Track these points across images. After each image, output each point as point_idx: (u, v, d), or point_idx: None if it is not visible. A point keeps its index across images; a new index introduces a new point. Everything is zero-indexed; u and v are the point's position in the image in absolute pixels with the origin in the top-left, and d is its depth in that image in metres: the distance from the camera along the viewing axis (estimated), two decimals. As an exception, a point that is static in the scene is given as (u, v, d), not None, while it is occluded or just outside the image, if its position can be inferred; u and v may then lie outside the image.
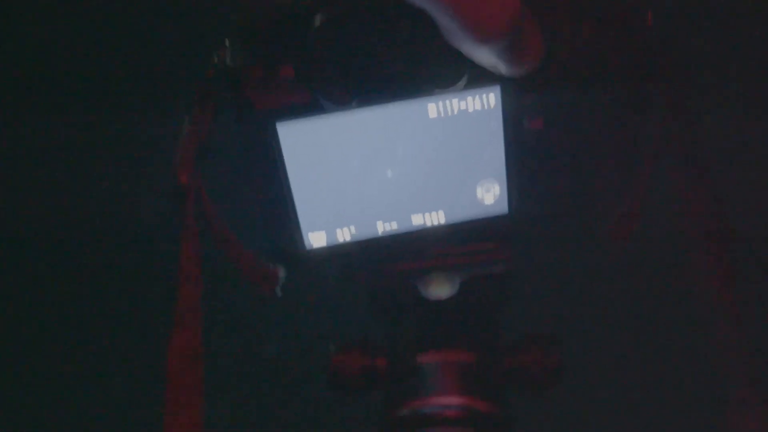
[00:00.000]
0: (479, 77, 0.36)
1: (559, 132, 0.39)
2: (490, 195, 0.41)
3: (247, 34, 0.36)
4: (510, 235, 0.43)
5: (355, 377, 0.48)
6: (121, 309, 0.86)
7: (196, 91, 0.39)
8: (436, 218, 0.41)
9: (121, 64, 0.80)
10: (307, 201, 0.40)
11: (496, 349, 0.47)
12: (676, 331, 0.77)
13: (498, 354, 0.47)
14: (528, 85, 0.36)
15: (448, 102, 0.37)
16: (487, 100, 0.37)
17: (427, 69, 0.35)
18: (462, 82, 0.36)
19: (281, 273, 0.43)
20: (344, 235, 0.41)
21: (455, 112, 0.38)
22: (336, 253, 0.41)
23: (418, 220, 0.41)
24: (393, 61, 0.35)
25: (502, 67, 0.29)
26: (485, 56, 0.28)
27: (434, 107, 0.38)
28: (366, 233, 0.41)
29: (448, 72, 0.36)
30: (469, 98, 0.37)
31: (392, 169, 0.39)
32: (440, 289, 0.44)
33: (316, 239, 0.41)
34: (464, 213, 0.41)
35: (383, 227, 0.41)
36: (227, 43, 0.37)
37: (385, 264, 0.43)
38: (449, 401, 0.44)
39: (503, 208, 0.41)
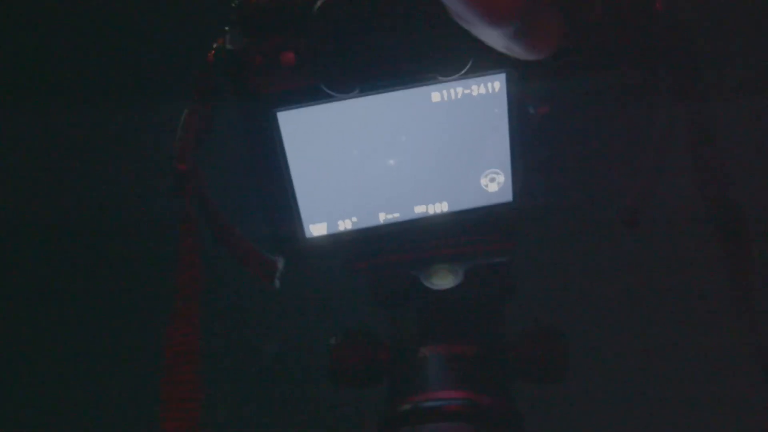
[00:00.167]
0: (484, 63, 0.35)
1: (565, 119, 0.38)
2: (495, 182, 0.40)
3: (248, 18, 0.35)
4: (514, 224, 0.42)
5: (356, 370, 0.47)
6: (119, 302, 0.85)
7: (195, 78, 0.39)
8: (439, 207, 0.40)
9: (120, 58, 0.80)
10: (308, 189, 0.39)
11: (499, 342, 0.46)
12: (682, 325, 0.77)
13: (502, 347, 0.46)
14: (534, 71, 0.36)
15: (452, 89, 0.37)
16: (492, 87, 0.37)
17: (431, 55, 0.35)
18: (466, 69, 0.35)
19: (280, 263, 0.43)
20: (345, 223, 0.40)
21: (459, 97, 0.37)
22: (337, 242, 0.41)
23: (420, 209, 0.40)
24: (396, 47, 0.35)
25: (517, 51, 0.28)
26: (497, 40, 0.28)
27: (438, 94, 0.37)
28: (367, 222, 0.40)
29: (453, 59, 0.35)
30: (474, 85, 0.37)
31: (395, 156, 0.39)
32: (443, 280, 0.43)
33: (316, 228, 0.40)
34: (468, 201, 0.40)
35: (385, 216, 0.40)
36: (227, 27, 0.37)
37: (387, 254, 0.43)
38: (452, 395, 0.43)
39: (507, 195, 0.40)
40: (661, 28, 0.37)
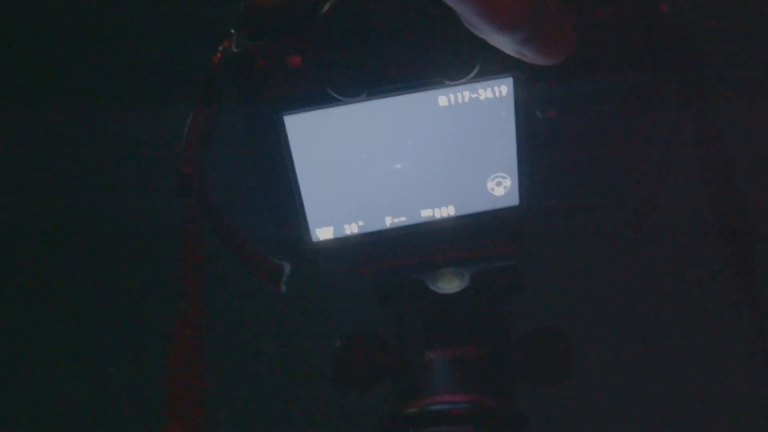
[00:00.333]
0: (492, 67, 0.35)
1: (572, 122, 0.38)
2: (501, 186, 0.40)
3: (254, 21, 0.35)
4: (520, 228, 0.42)
5: (361, 372, 0.47)
6: (123, 304, 0.85)
7: (201, 80, 0.39)
8: (445, 210, 0.40)
9: (125, 60, 0.79)
10: (314, 193, 0.39)
11: (505, 344, 0.46)
12: (687, 328, 0.77)
13: (507, 350, 0.46)
14: (541, 75, 0.35)
15: (459, 93, 0.37)
16: (500, 90, 0.37)
17: (438, 59, 0.35)
18: (473, 73, 0.35)
19: (287, 268, 0.43)
20: (351, 227, 0.40)
21: (466, 101, 0.37)
22: (343, 246, 0.41)
23: (427, 213, 0.40)
24: (403, 51, 0.34)
25: (530, 56, 0.28)
26: (509, 45, 0.27)
27: (445, 98, 0.37)
28: (374, 226, 0.40)
29: (460, 63, 0.35)
30: (481, 89, 0.37)
31: (401, 160, 0.38)
32: (449, 284, 0.43)
33: (322, 232, 0.40)
34: (474, 205, 0.40)
35: (391, 220, 0.40)
36: (233, 30, 0.36)
37: (393, 258, 0.42)
38: (458, 398, 0.43)
39: (514, 199, 0.40)
40: (666, 30, 0.37)
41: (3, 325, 0.87)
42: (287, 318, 0.81)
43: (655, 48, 0.37)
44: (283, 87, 0.36)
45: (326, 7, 0.33)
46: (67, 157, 0.82)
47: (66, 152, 0.81)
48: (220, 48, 0.37)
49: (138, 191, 0.80)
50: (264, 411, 0.84)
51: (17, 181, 0.83)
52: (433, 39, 0.34)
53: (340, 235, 0.40)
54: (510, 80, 0.37)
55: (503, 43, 0.27)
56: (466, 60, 0.35)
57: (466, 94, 0.37)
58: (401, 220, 0.40)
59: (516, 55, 0.28)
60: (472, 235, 0.42)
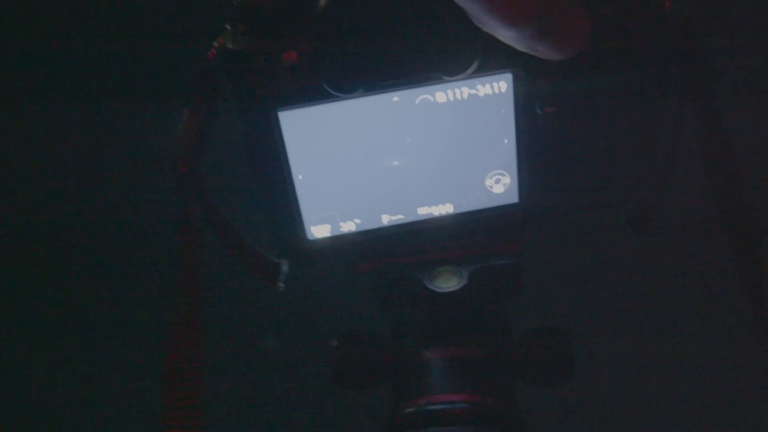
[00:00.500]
0: (491, 63, 0.35)
1: (572, 119, 0.38)
2: (500, 184, 0.39)
3: (250, 16, 0.35)
4: (520, 225, 0.42)
5: (358, 372, 0.47)
6: (120, 304, 0.85)
7: (196, 77, 0.38)
8: (443, 208, 0.40)
9: (120, 57, 0.79)
10: (310, 191, 0.38)
11: (504, 343, 0.46)
12: (690, 327, 0.76)
13: (507, 349, 0.46)
14: (541, 71, 0.35)
15: (457, 89, 0.36)
16: (499, 87, 0.36)
17: (436, 55, 0.34)
18: (471, 69, 0.35)
19: (284, 267, 0.42)
20: (348, 225, 0.40)
21: (465, 97, 0.36)
22: (339, 244, 0.40)
23: (424, 210, 0.40)
24: (400, 46, 0.34)
25: (542, 52, 0.27)
26: (518, 40, 0.27)
27: (443, 94, 0.36)
28: (370, 224, 0.40)
29: (458, 58, 0.34)
30: (480, 85, 0.36)
31: (398, 157, 0.38)
32: (447, 283, 0.42)
33: (318, 229, 0.40)
34: (473, 203, 0.40)
35: (389, 218, 0.40)
36: (228, 26, 0.36)
37: (390, 256, 0.42)
38: (456, 398, 0.42)
39: (513, 197, 0.40)
40: (669, 26, 0.37)
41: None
42: (286, 318, 0.81)
43: (657, 44, 0.37)
44: (278, 83, 0.35)
45: (323, 1, 0.33)
46: (63, 156, 0.82)
47: (62, 151, 0.81)
48: (215, 44, 0.37)
49: (135, 189, 0.80)
50: (263, 412, 0.84)
51: (14, 181, 0.83)
52: (431, 34, 0.33)
53: (336, 233, 0.40)
54: (509, 76, 0.36)
55: (513, 38, 0.27)
56: (464, 55, 0.34)
57: (465, 90, 0.36)
58: (398, 217, 0.40)
59: (529, 51, 0.28)
60: (470, 233, 0.41)
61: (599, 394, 0.74)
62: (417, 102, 0.36)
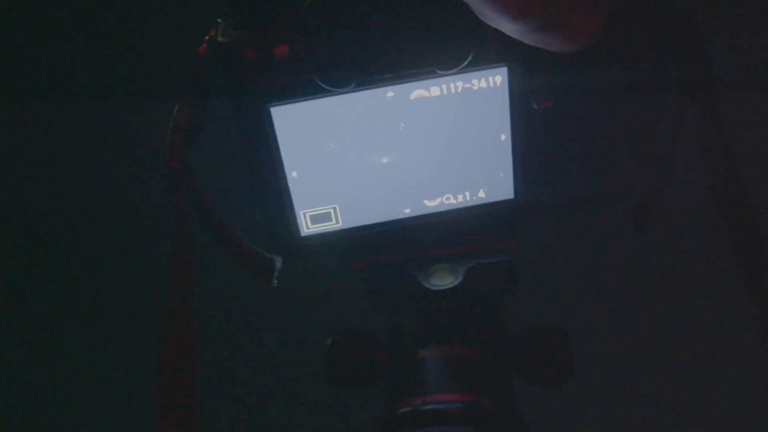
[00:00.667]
0: (485, 56, 0.34)
1: (569, 114, 0.37)
2: (496, 179, 0.39)
3: (241, 10, 0.34)
4: (515, 222, 0.41)
5: (353, 370, 0.46)
6: (113, 301, 0.85)
7: (187, 72, 0.38)
8: (439, 204, 0.39)
9: (111, 53, 0.79)
10: (303, 187, 0.38)
11: (500, 342, 0.45)
12: (689, 325, 0.76)
13: (503, 348, 0.45)
14: (538, 64, 0.34)
15: (451, 83, 0.36)
16: (494, 80, 0.36)
17: (430, 48, 0.33)
18: (466, 63, 0.34)
19: (278, 263, 0.42)
20: (341, 222, 0.39)
21: (459, 91, 0.36)
22: (332, 241, 0.40)
23: (419, 207, 0.39)
24: (393, 40, 0.33)
25: (551, 44, 0.27)
26: (524, 34, 0.26)
27: (437, 88, 0.36)
28: (363, 220, 0.39)
29: (452, 52, 0.34)
30: (475, 79, 0.36)
31: (392, 153, 0.37)
32: (442, 280, 0.42)
33: (311, 226, 0.39)
34: (469, 199, 0.39)
35: (383, 214, 0.39)
36: (219, 20, 0.35)
37: (384, 253, 0.42)
38: (451, 398, 0.42)
39: (509, 193, 0.39)
40: (670, 21, 0.36)
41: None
42: (280, 315, 0.81)
43: (657, 40, 0.36)
44: (270, 78, 0.35)
45: (314, -6, 0.32)
46: (55, 154, 0.82)
47: (54, 149, 0.81)
48: (207, 38, 0.36)
49: (128, 187, 0.80)
50: (258, 411, 0.84)
51: (11, 179, 0.83)
52: (425, 26, 0.33)
53: (329, 229, 0.39)
54: (504, 69, 0.36)
55: (518, 32, 0.27)
56: (458, 48, 0.33)
57: (459, 84, 0.36)
58: (393, 214, 0.39)
59: (537, 44, 0.27)
60: (465, 230, 0.41)
61: (597, 393, 0.74)
62: (411, 97, 0.36)
